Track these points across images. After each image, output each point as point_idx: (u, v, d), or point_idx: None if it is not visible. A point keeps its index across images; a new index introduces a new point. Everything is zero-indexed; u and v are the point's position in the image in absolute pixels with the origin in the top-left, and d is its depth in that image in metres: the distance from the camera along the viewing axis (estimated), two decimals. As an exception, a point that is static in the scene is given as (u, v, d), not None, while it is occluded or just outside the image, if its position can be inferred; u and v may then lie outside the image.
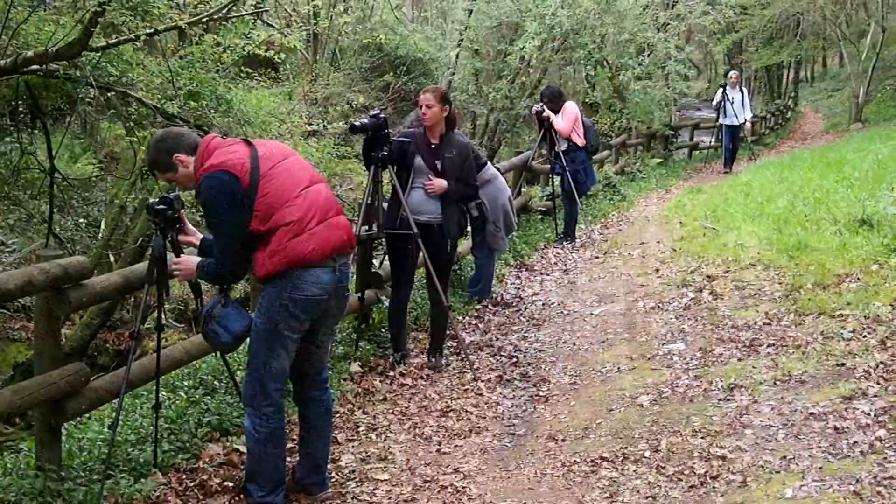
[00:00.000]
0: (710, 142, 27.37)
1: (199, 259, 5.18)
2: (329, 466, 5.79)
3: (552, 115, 13.26)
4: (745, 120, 22.89)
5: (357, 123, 7.47)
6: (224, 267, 5.00)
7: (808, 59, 55.91)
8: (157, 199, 5.33)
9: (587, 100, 24.84)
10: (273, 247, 4.85)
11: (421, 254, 7.72)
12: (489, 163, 9.99)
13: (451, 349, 8.40)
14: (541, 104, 13.57)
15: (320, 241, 4.90)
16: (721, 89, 22.68)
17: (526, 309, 9.87)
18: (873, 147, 18.65)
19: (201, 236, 5.39)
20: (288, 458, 5.56)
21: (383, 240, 8.13)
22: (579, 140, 13.39)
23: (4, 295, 4.78)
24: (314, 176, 5.17)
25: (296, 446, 5.68)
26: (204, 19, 11.67)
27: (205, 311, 5.20)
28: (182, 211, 5.37)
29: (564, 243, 13.46)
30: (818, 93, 55.26)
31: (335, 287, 5.07)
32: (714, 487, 4.99)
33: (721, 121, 22.86)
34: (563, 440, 6.12)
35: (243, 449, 5.59)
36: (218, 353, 6.33)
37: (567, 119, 13.31)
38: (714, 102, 23.62)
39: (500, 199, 9.75)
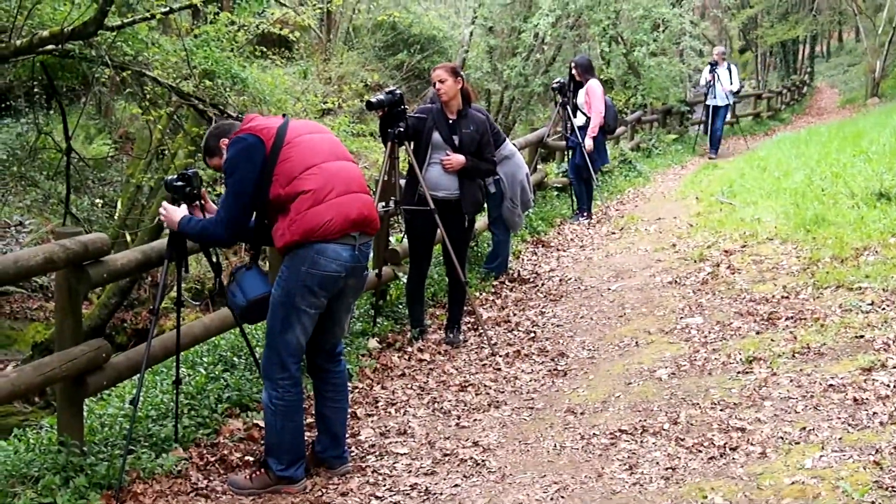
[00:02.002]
0: (699, 127, 24.78)
1: (188, 215, 5.23)
2: (349, 441, 5.83)
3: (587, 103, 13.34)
4: (733, 92, 21.72)
5: (373, 100, 7.48)
6: (219, 226, 5.05)
7: (824, 34, 55.64)
8: (175, 176, 5.36)
9: (602, 76, 24.75)
10: (292, 214, 4.89)
11: (438, 230, 7.72)
12: (507, 139, 9.99)
13: (469, 325, 8.41)
14: (559, 81, 13.61)
15: (338, 213, 4.92)
16: (709, 67, 21.47)
17: (543, 285, 9.87)
18: (891, 121, 18.51)
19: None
20: (308, 433, 5.60)
21: (401, 216, 8.15)
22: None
23: (27, 272, 4.82)
24: (342, 153, 5.22)
25: (314, 421, 5.70)
26: (219, -3, 11.69)
27: (232, 270, 5.32)
28: (202, 189, 5.40)
29: (580, 219, 13.45)
30: (834, 68, 55.02)
31: (354, 265, 5.09)
32: (734, 459, 5.00)
33: (708, 101, 21.42)
34: (581, 413, 6.12)
35: (263, 424, 5.61)
36: (237, 330, 6.37)
37: (598, 101, 13.31)
38: (702, 82, 22.28)
39: (518, 175, 9.75)
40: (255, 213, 5.10)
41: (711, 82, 20.95)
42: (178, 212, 5.24)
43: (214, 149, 5.21)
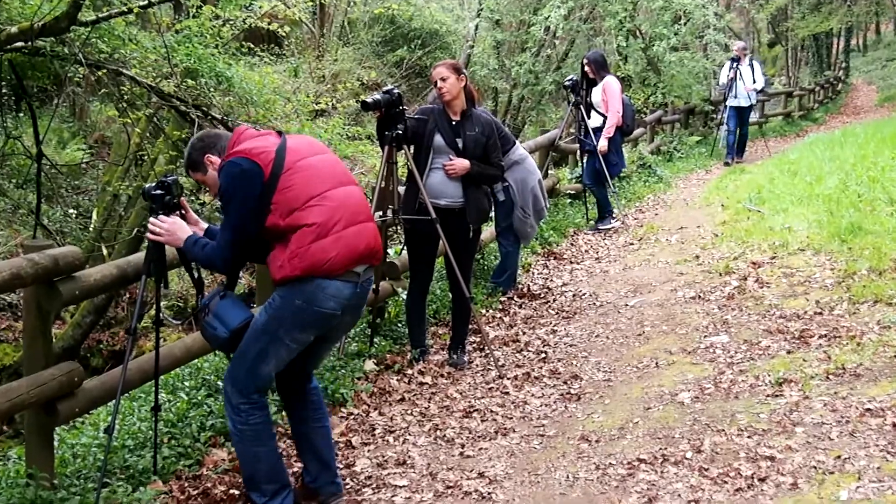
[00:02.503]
0: (723, 127, 23.08)
1: (194, 234, 5.19)
2: (343, 472, 5.82)
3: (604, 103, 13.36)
4: (756, 91, 21.04)
5: (369, 100, 7.47)
6: (220, 256, 5.01)
7: (860, 27, 55.67)
8: (154, 184, 5.35)
9: (619, 73, 24.79)
10: (294, 248, 4.84)
11: (441, 241, 7.72)
12: (517, 143, 9.99)
13: (474, 345, 8.41)
14: (572, 78, 13.64)
15: (344, 249, 4.90)
16: (729, 63, 20.75)
17: (555, 300, 9.88)
18: (934, 120, 18.59)
19: (206, 225, 5.40)
20: (297, 466, 5.58)
21: (400, 227, 8.14)
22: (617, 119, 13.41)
23: (-8, 288, 4.82)
24: (345, 177, 5.18)
25: (297, 449, 5.65)
26: (201, -12, 11.71)
27: (203, 302, 5.23)
28: (182, 198, 5.39)
29: (612, 222, 13.52)
30: (871, 63, 55.07)
31: (353, 304, 5.09)
32: (762, 490, 4.99)
33: (728, 102, 20.81)
34: (596, 441, 6.11)
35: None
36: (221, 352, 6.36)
37: (615, 100, 13.32)
38: (721, 80, 21.40)
39: (530, 182, 9.76)
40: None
41: (733, 80, 20.37)
42: (184, 229, 5.21)
43: (198, 164, 5.16)
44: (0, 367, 14.38)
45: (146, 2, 10.33)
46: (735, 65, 20.40)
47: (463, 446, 6.31)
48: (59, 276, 5.14)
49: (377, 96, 7.47)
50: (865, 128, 22.21)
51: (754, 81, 20.43)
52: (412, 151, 7.72)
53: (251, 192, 4.83)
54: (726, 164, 20.69)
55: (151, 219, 5.23)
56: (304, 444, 5.45)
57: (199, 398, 6.66)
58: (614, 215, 13.89)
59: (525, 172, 9.75)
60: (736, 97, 20.49)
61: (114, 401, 5.40)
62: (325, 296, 4.90)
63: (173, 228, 5.18)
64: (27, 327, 5.23)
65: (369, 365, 7.74)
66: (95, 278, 5.44)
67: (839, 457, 5.15)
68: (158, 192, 5.28)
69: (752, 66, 20.57)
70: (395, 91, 7.54)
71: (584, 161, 13.76)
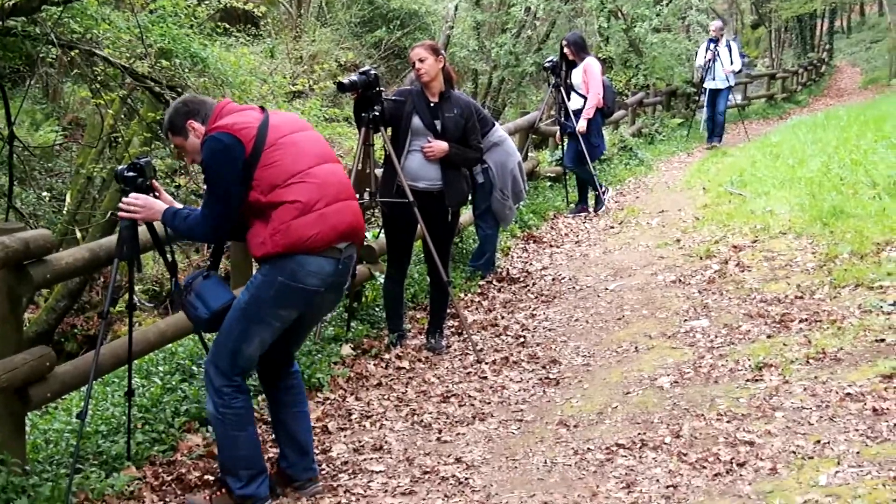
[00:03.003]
0: (703, 110, 22.48)
1: (171, 206, 5.19)
2: (319, 457, 5.83)
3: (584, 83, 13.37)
4: (734, 73, 20.36)
5: (345, 81, 7.46)
6: (204, 227, 5.03)
7: (844, 8, 55.79)
8: (126, 166, 5.33)
9: (600, 55, 24.80)
10: (275, 224, 4.86)
11: (419, 225, 7.71)
12: (496, 124, 9.99)
13: (453, 329, 8.43)
14: (552, 60, 13.64)
15: (326, 226, 4.92)
16: (707, 44, 20.13)
17: (534, 284, 9.89)
18: (917, 103, 18.66)
19: (180, 206, 5.39)
20: (273, 451, 5.60)
21: (378, 210, 8.14)
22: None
23: (-40, 272, 4.80)
24: (327, 154, 5.20)
25: (274, 434, 5.66)
26: (175, -32, 11.66)
27: (185, 281, 5.25)
28: (155, 179, 5.37)
29: (605, 199, 13.60)
30: (855, 45, 55.25)
31: (336, 280, 5.09)
32: (741, 475, 5.00)
33: (706, 84, 20.30)
34: (575, 426, 6.13)
35: (217, 439, 5.60)
36: (196, 336, 6.35)
37: (595, 82, 13.32)
38: (698, 62, 20.76)
39: (509, 164, 9.78)
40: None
41: (710, 62, 19.85)
42: (158, 203, 5.21)
43: (180, 128, 5.14)
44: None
45: (119, -20, 10.27)
46: (713, 46, 19.89)
47: (440, 431, 6.33)
48: (30, 260, 5.12)
49: (354, 77, 7.46)
50: (849, 110, 22.23)
51: (731, 63, 19.88)
52: (389, 133, 7.72)
53: (233, 167, 4.85)
54: (707, 147, 20.48)
55: (124, 198, 5.22)
56: (282, 430, 5.45)
57: (174, 383, 6.65)
58: (606, 191, 13.95)
59: (504, 154, 9.76)
60: (714, 79, 20.00)
61: (86, 386, 5.38)
62: (307, 272, 4.92)
63: (148, 203, 5.18)
64: (-3, 311, 5.21)
65: (346, 349, 7.75)
66: (67, 262, 5.42)
67: (819, 441, 5.17)
68: (131, 174, 5.27)
69: (729, 46, 20.04)
70: (373, 72, 7.53)
71: (566, 143, 13.76)
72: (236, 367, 5.06)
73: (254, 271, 5.42)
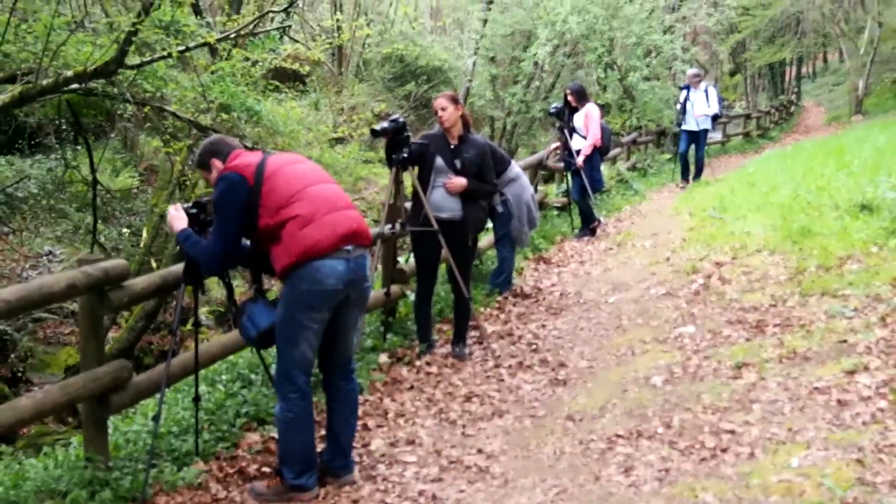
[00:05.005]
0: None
1: (189, 230, 5.27)
2: (360, 451, 5.85)
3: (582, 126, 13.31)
4: (710, 117, 18.18)
5: (377, 128, 7.50)
6: (209, 253, 5.11)
7: (810, 56, 55.84)
8: (190, 204, 5.39)
9: (599, 101, 24.77)
10: (285, 240, 4.93)
11: (443, 249, 7.72)
12: (513, 162, 10.02)
13: (474, 339, 8.41)
14: (556, 106, 13.65)
15: (327, 230, 4.96)
16: (683, 91, 18.50)
17: (544, 299, 9.87)
18: (872, 136, 18.55)
19: None
20: (323, 445, 5.60)
21: (408, 237, 8.15)
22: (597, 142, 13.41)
23: (51, 297, 4.83)
24: (323, 177, 5.28)
25: (325, 432, 5.69)
26: (231, 35, 11.74)
27: (241, 304, 5.34)
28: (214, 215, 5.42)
29: (585, 237, 13.49)
30: (820, 87, 55.14)
31: (351, 278, 5.09)
32: (724, 460, 4.98)
33: (683, 126, 18.49)
34: (580, 420, 6.11)
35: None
36: (254, 348, 6.38)
37: (594, 125, 13.33)
38: (678, 106, 18.88)
39: (524, 196, 9.81)
40: (247, 241, 5.21)
41: (683, 106, 18.30)
42: (181, 221, 5.29)
43: (205, 164, 5.30)
44: (66, 367, 14.42)
45: (183, 47, 10.35)
46: (686, 92, 18.31)
47: (464, 427, 6.32)
48: (109, 286, 5.16)
49: (385, 124, 7.50)
50: (814, 144, 22.15)
51: (709, 106, 18.09)
52: (417, 171, 7.74)
53: (238, 199, 4.96)
54: (681, 187, 18.90)
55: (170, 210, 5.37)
56: (330, 432, 5.49)
57: (235, 389, 6.68)
58: (599, 222, 13.91)
59: (520, 188, 9.78)
60: (686, 123, 18.34)
61: (160, 393, 5.42)
62: (323, 275, 4.96)
63: (174, 217, 5.31)
64: (82, 330, 5.25)
65: (383, 358, 7.74)
66: (141, 286, 5.46)
67: (791, 429, 5.14)
68: (194, 210, 5.34)
69: (706, 92, 18.23)
70: (401, 119, 7.57)
71: (571, 178, 13.75)
72: (294, 369, 5.11)
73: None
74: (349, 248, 5.06)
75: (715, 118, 18.63)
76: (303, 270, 4.94)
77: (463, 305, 7.96)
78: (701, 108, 18.05)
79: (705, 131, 18.50)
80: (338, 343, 5.34)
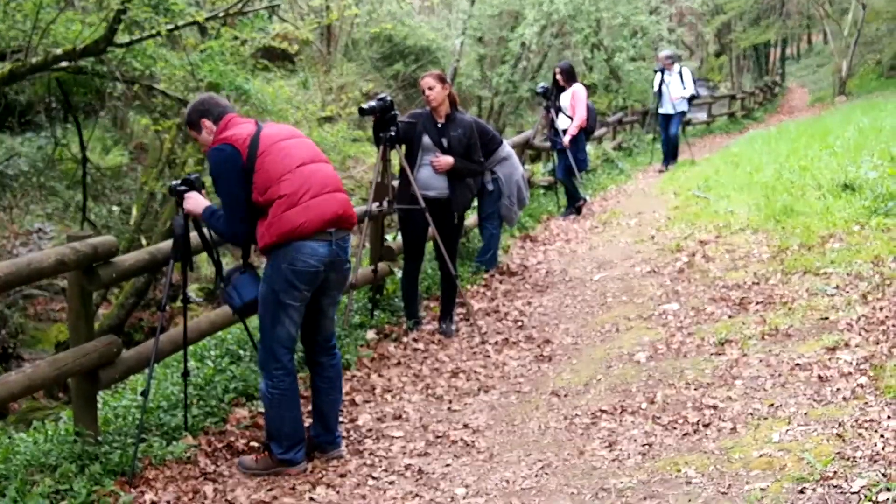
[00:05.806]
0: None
1: (211, 205, 5.24)
2: (347, 426, 5.85)
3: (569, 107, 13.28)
4: (686, 99, 17.75)
5: (365, 106, 7.47)
6: (227, 226, 5.10)
7: (794, 37, 55.80)
8: (178, 181, 5.37)
9: (585, 81, 24.72)
10: (270, 219, 4.92)
11: (430, 227, 7.71)
12: (504, 142, 10.00)
13: (461, 315, 8.41)
14: (543, 86, 13.59)
15: (312, 215, 4.93)
16: (658, 74, 18.00)
17: (530, 277, 9.87)
18: (855, 117, 18.56)
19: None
20: (310, 420, 5.60)
21: (395, 215, 8.14)
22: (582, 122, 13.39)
23: (40, 273, 4.81)
24: (316, 155, 5.20)
25: (311, 409, 5.68)
26: (220, 14, 11.67)
27: (226, 273, 5.35)
28: (203, 191, 5.40)
29: (571, 215, 13.47)
30: (804, 69, 55.16)
31: (332, 260, 5.08)
32: (706, 434, 5.00)
33: (660, 110, 18.15)
34: (565, 396, 6.13)
35: (265, 411, 5.62)
36: (242, 324, 6.37)
37: (581, 106, 13.30)
38: (654, 88, 18.29)
39: (515, 175, 9.80)
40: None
41: (658, 89, 17.89)
42: (201, 200, 5.26)
43: (195, 123, 5.22)
44: (56, 343, 14.41)
45: (172, 26, 10.29)
46: (661, 75, 17.84)
47: (450, 402, 6.33)
48: (98, 262, 5.14)
49: (372, 103, 7.46)
50: (798, 125, 22.16)
51: (684, 89, 17.61)
52: (404, 150, 7.72)
53: (235, 171, 4.92)
54: (660, 170, 18.35)
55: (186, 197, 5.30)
56: (315, 409, 5.48)
57: (224, 365, 6.66)
58: (584, 201, 13.89)
59: (511, 167, 9.78)
60: (662, 105, 18.00)
61: (149, 368, 5.41)
62: (304, 255, 4.95)
63: (195, 199, 5.27)
64: (71, 306, 5.23)
65: (370, 334, 7.74)
66: (129, 263, 5.44)
67: (772, 405, 5.16)
68: (183, 187, 5.31)
69: (681, 74, 17.71)
70: (388, 98, 7.53)
71: (556, 157, 13.74)
72: (278, 345, 5.10)
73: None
74: (332, 230, 5.05)
75: (691, 99, 18.25)
76: (285, 249, 4.93)
77: (450, 283, 7.96)
78: (676, 90, 17.62)
79: (682, 113, 18.14)
80: (319, 322, 5.34)
